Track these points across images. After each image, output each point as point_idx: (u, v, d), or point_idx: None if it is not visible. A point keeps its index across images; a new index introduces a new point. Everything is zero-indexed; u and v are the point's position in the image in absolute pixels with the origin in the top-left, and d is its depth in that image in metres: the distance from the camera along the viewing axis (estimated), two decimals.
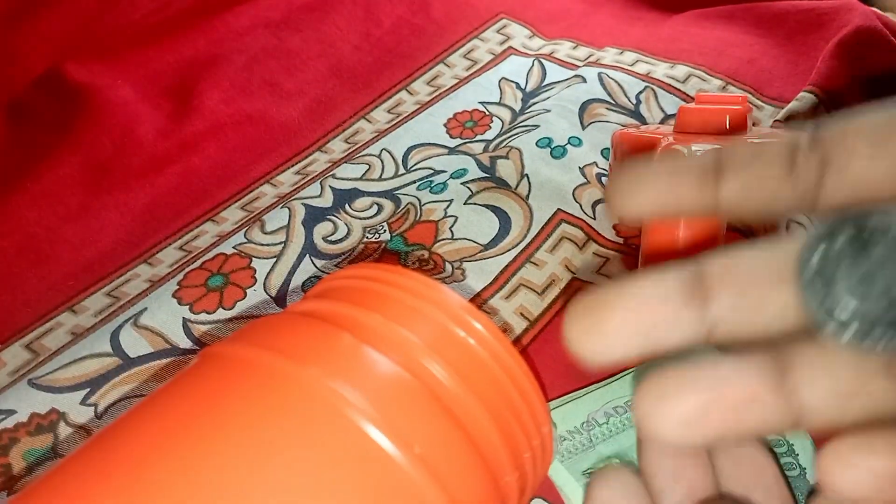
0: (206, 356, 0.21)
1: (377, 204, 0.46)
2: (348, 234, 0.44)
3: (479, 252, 0.42)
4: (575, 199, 0.45)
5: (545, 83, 0.55)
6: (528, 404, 0.21)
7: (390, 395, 0.19)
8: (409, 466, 0.18)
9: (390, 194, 0.46)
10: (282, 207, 0.45)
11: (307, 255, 0.42)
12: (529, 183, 0.46)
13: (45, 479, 0.18)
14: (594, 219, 0.44)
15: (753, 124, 0.43)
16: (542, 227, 0.43)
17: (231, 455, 0.17)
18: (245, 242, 0.43)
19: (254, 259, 0.42)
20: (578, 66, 0.56)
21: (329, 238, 0.44)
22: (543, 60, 0.57)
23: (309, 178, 0.49)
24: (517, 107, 0.53)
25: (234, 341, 0.21)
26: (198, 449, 0.17)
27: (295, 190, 0.48)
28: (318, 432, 0.18)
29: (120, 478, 0.17)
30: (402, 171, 0.48)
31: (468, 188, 0.46)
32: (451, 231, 0.43)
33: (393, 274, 0.22)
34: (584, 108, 0.52)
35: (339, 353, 0.19)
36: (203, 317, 0.39)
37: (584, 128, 0.50)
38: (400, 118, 0.53)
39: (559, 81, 0.55)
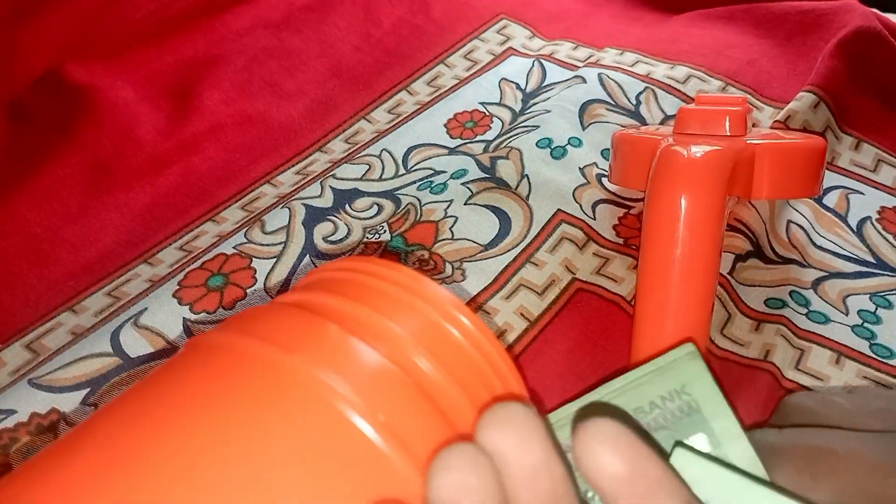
0: (192, 345, 0.21)
1: (377, 204, 0.46)
2: (348, 234, 0.44)
3: (480, 252, 0.42)
4: (575, 199, 0.45)
5: (545, 84, 0.55)
6: (510, 396, 0.21)
7: (375, 386, 0.19)
8: (392, 453, 0.18)
9: (390, 194, 0.46)
10: (282, 207, 0.45)
11: (307, 255, 0.43)
12: (529, 183, 0.46)
13: (23, 469, 0.18)
14: (594, 219, 0.44)
15: (753, 125, 0.43)
16: (543, 228, 0.43)
17: (216, 442, 0.17)
18: (245, 242, 0.43)
19: (254, 259, 0.42)
20: (578, 67, 0.56)
21: (329, 238, 0.44)
22: (543, 61, 0.57)
23: (309, 178, 0.49)
24: (517, 107, 0.53)
25: (219, 330, 0.21)
26: (183, 436, 0.17)
27: (295, 190, 0.48)
28: (304, 420, 0.18)
29: (105, 467, 0.17)
30: (402, 171, 0.48)
31: (468, 188, 0.46)
32: (452, 231, 0.43)
33: (380, 267, 0.22)
34: (584, 108, 0.52)
35: (326, 343, 0.19)
36: (203, 317, 0.39)
37: (584, 128, 0.50)
38: (400, 118, 0.54)
39: (559, 82, 0.55)
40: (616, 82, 0.54)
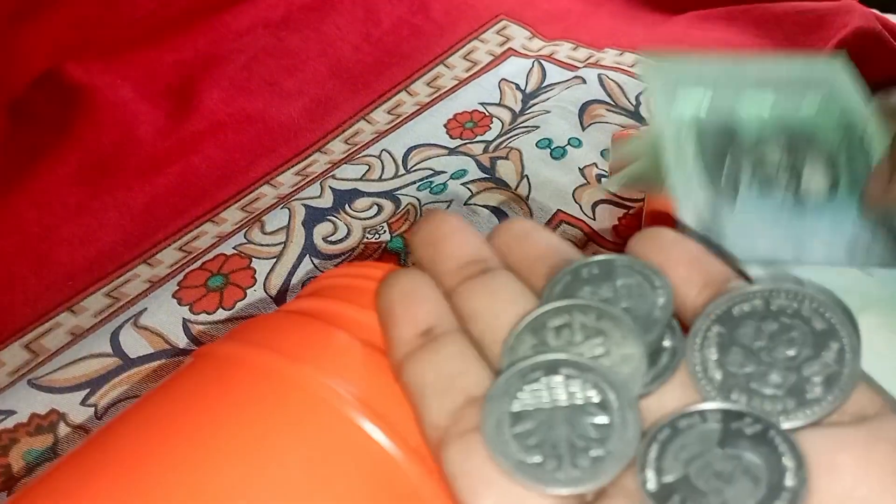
0: (200, 356, 0.21)
1: (377, 204, 0.46)
2: (348, 234, 0.44)
3: None
4: (575, 199, 0.45)
5: (545, 84, 0.55)
6: None
7: (385, 391, 0.19)
8: (403, 460, 0.18)
9: (390, 195, 0.46)
10: (282, 208, 0.45)
11: (307, 255, 0.42)
12: (529, 183, 0.46)
13: (40, 482, 0.18)
14: (594, 219, 0.44)
15: None
16: None
17: (228, 453, 0.17)
18: (245, 243, 0.43)
19: (254, 259, 0.42)
20: (578, 67, 0.56)
21: (329, 238, 0.44)
22: (543, 61, 0.57)
23: (309, 178, 0.49)
24: (517, 108, 0.53)
25: (227, 340, 0.21)
26: (195, 448, 0.17)
27: (295, 190, 0.48)
28: (315, 429, 0.18)
29: (117, 479, 0.17)
30: (402, 171, 0.48)
31: (468, 189, 0.46)
32: None
33: (384, 271, 0.22)
34: (583, 109, 0.52)
35: (334, 350, 0.19)
36: (203, 317, 0.39)
37: (583, 129, 0.50)
38: (400, 119, 0.54)
39: (559, 82, 0.55)
40: (616, 83, 0.54)
